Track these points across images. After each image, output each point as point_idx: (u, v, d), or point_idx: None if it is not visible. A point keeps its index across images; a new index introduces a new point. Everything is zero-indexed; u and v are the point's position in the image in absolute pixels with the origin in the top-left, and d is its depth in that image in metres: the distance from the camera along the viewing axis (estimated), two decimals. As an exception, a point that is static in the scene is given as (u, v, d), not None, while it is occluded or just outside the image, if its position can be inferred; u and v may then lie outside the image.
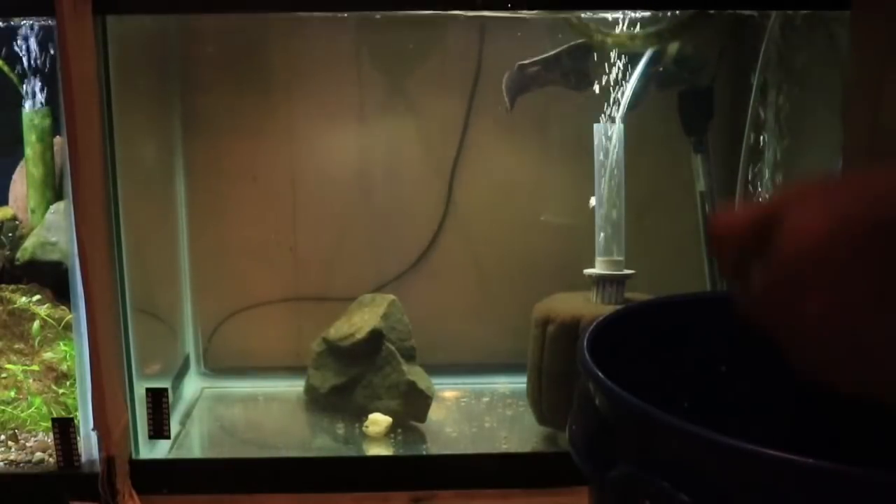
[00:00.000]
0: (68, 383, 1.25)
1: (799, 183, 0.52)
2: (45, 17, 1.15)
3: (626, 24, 1.23)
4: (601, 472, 0.51)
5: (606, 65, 1.27)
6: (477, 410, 1.40)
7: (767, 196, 1.36)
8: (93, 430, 1.08)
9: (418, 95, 1.47)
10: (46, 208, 1.36)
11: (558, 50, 1.27)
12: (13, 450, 1.20)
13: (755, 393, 0.69)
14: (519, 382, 1.35)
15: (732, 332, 0.62)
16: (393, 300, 1.37)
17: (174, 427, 1.25)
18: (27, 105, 1.35)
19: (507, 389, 1.47)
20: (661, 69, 1.27)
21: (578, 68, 1.28)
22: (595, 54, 1.27)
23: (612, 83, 1.27)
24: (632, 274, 1.27)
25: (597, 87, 1.28)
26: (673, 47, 1.26)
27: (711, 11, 1.17)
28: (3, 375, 1.26)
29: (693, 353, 0.69)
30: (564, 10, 1.21)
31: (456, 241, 1.51)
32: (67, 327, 1.26)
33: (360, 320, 1.35)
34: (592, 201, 1.27)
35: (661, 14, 1.20)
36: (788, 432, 0.69)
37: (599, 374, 0.53)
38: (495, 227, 1.50)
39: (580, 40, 1.27)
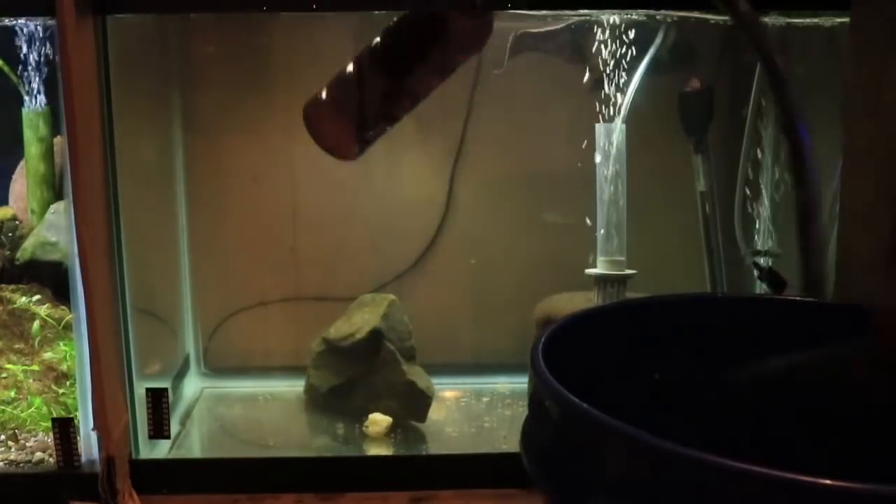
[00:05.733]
0: (68, 383, 1.25)
1: None
2: (45, 17, 1.15)
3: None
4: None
5: (604, 48, 1.27)
6: (477, 410, 1.40)
7: (767, 196, 1.36)
8: (93, 430, 1.08)
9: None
10: (46, 208, 1.36)
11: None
12: (13, 450, 1.19)
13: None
14: (519, 382, 1.35)
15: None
16: (393, 300, 1.37)
17: (174, 427, 1.25)
18: (27, 105, 1.35)
19: (507, 389, 1.47)
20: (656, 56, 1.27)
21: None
22: (595, 34, 1.26)
23: (609, 66, 1.27)
24: (633, 274, 1.27)
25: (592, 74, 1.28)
26: (670, 36, 1.26)
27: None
28: (3, 375, 1.26)
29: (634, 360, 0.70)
30: (564, 9, 1.21)
31: (456, 241, 1.51)
32: (67, 327, 1.26)
33: (360, 320, 1.35)
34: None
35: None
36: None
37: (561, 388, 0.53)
38: (495, 227, 1.50)
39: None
